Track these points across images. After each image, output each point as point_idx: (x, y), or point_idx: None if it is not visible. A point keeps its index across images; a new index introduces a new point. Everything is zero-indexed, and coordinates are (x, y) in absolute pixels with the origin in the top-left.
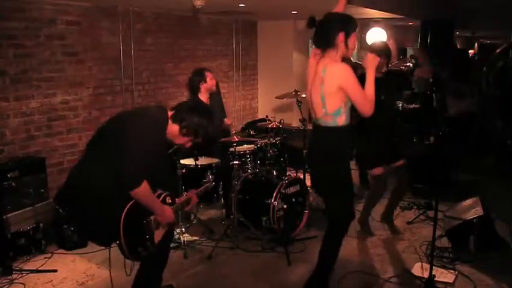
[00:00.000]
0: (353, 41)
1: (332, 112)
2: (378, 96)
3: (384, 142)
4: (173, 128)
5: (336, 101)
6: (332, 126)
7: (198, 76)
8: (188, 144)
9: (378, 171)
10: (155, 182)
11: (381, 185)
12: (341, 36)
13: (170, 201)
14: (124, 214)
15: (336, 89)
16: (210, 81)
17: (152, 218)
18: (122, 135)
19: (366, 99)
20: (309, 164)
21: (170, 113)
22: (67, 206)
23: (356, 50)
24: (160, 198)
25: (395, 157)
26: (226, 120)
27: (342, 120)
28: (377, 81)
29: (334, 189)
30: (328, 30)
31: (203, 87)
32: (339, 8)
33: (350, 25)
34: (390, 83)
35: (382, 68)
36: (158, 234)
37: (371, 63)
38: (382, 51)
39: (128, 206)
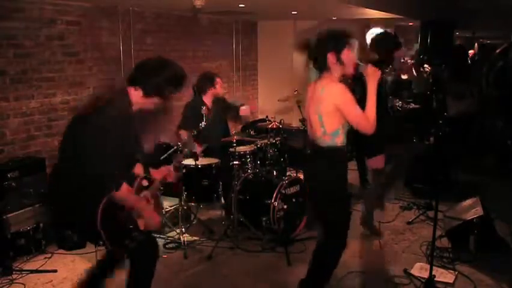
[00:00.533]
0: (347, 56)
1: (331, 132)
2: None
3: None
4: (137, 97)
5: (334, 121)
6: (331, 145)
7: (209, 81)
8: (156, 104)
9: (379, 162)
10: (131, 163)
11: (382, 181)
12: (330, 57)
13: (147, 183)
14: (100, 208)
15: (333, 109)
16: (218, 88)
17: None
18: (86, 141)
19: (364, 119)
20: (309, 183)
21: (130, 89)
22: (53, 205)
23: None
24: (137, 184)
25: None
26: (251, 107)
27: (340, 140)
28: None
29: (331, 211)
30: (318, 54)
31: (210, 91)
32: None
33: (339, 42)
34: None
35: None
36: (144, 220)
37: (372, 77)
38: (382, 48)
39: (104, 201)
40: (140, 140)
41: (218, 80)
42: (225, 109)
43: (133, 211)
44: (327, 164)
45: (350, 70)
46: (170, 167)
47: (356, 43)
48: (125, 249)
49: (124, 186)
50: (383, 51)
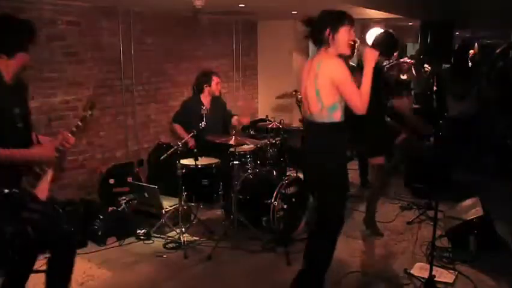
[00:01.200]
0: (343, 35)
1: (329, 106)
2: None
3: (378, 126)
4: (5, 64)
5: (331, 95)
6: (327, 122)
7: (205, 77)
8: (25, 60)
9: (380, 160)
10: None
11: (384, 177)
12: (328, 33)
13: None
14: None
15: (329, 83)
16: (214, 86)
17: (21, 183)
18: None
19: (358, 95)
20: (305, 162)
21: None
22: None
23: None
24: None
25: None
26: (242, 119)
27: (338, 116)
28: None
29: (329, 188)
30: (317, 28)
31: (207, 89)
32: None
33: (338, 19)
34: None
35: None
36: (43, 186)
37: (370, 57)
38: (381, 42)
39: None
40: (26, 111)
41: (214, 77)
42: (225, 112)
43: (27, 182)
44: (326, 140)
45: (345, 50)
46: (67, 132)
47: (353, 26)
48: (29, 224)
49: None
50: (384, 50)
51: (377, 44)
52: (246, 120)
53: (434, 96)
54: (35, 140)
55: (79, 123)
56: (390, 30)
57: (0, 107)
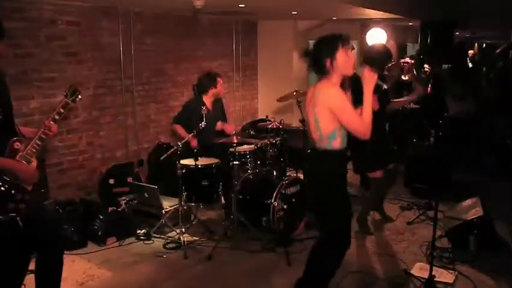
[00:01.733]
0: (342, 59)
1: (327, 134)
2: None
3: (378, 144)
4: None
5: (330, 123)
6: (327, 149)
7: (210, 80)
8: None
9: (378, 174)
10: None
11: (382, 187)
12: (328, 62)
13: (19, 146)
14: None
15: (327, 112)
16: (219, 88)
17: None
18: None
19: (359, 123)
20: (308, 186)
21: None
22: None
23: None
24: (8, 149)
25: (389, 159)
26: (227, 126)
27: (337, 143)
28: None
29: (330, 209)
30: (317, 59)
31: (211, 91)
32: None
33: (334, 46)
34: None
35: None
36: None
37: (369, 80)
38: (378, 59)
39: None
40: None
41: (219, 79)
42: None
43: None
44: (326, 167)
45: (348, 71)
46: (48, 120)
47: (350, 43)
48: (17, 214)
49: None
50: (378, 64)
51: (370, 59)
52: (229, 129)
53: (434, 97)
54: (19, 132)
55: (61, 109)
56: (383, 43)
57: None
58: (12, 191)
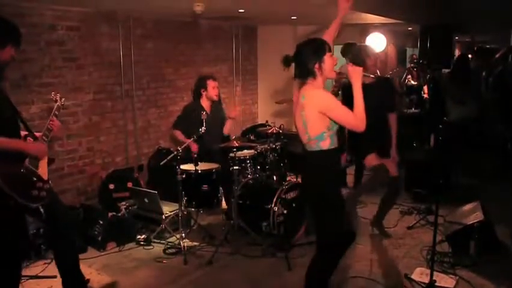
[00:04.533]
0: (328, 62)
1: (315, 137)
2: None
3: (372, 135)
4: None
5: (318, 125)
6: (317, 150)
7: (200, 82)
8: (11, 54)
9: (372, 160)
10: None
11: (381, 177)
12: (316, 65)
13: (32, 140)
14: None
15: (317, 114)
16: (211, 90)
17: (25, 162)
18: None
19: (353, 118)
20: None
21: None
22: None
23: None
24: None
25: (383, 152)
26: (232, 112)
27: (326, 144)
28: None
29: (323, 209)
30: (304, 63)
31: (204, 94)
32: (332, 28)
33: (321, 50)
34: (379, 87)
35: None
36: (43, 170)
37: (355, 75)
38: (359, 55)
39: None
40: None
41: (209, 82)
42: (223, 117)
43: (27, 163)
44: (316, 168)
45: (332, 74)
46: (52, 117)
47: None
48: (38, 199)
49: None
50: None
51: (352, 55)
52: (234, 113)
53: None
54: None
55: (59, 104)
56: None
57: None
58: (34, 178)
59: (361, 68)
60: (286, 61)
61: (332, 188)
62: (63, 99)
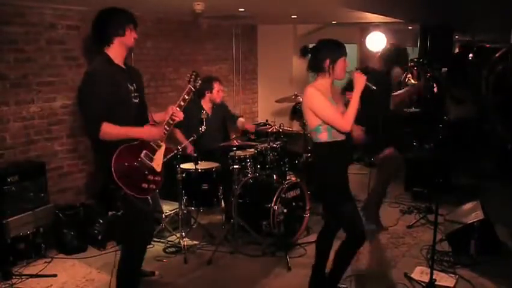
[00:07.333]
0: (340, 65)
1: (312, 129)
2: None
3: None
4: (112, 51)
5: (313, 119)
6: (317, 142)
7: (206, 84)
8: (134, 38)
9: (388, 151)
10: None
11: (391, 169)
12: (327, 62)
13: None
14: (113, 162)
15: (308, 110)
16: (215, 93)
17: (142, 155)
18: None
19: (338, 117)
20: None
21: (105, 49)
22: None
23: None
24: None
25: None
26: (248, 126)
27: (324, 136)
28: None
29: (333, 202)
30: (317, 57)
31: (208, 95)
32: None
33: (336, 52)
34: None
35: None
36: (158, 162)
37: (359, 83)
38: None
39: (115, 155)
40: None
41: (215, 84)
42: (226, 116)
43: (143, 156)
44: (318, 159)
45: (341, 77)
46: (175, 107)
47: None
48: (146, 191)
49: (105, 124)
50: (389, 65)
51: (388, 57)
52: (251, 127)
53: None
54: (151, 118)
55: (186, 96)
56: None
57: (117, 83)
58: (146, 172)
59: (365, 77)
60: (305, 51)
61: (334, 179)
62: (199, 80)
